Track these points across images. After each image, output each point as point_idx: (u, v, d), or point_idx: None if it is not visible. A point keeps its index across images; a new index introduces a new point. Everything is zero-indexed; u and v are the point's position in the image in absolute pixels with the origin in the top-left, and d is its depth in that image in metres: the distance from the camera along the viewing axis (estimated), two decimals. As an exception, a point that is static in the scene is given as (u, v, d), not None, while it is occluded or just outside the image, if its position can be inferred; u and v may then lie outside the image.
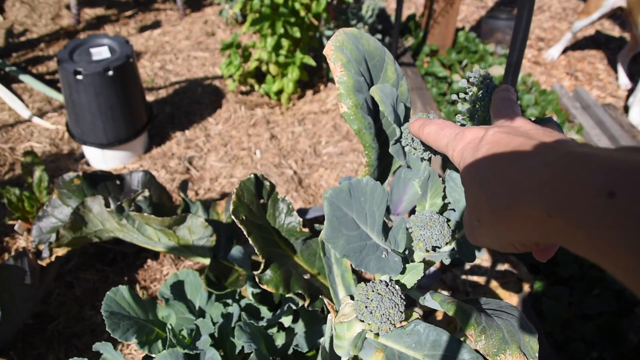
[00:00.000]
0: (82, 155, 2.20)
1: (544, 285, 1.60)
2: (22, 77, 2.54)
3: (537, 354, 0.65)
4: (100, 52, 1.98)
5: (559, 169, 0.31)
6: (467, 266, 1.57)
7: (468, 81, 0.60)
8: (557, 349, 1.47)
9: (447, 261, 0.69)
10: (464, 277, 1.54)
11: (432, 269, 1.58)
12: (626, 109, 2.73)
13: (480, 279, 1.54)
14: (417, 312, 0.72)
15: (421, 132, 0.55)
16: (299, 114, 2.50)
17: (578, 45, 3.29)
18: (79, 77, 1.88)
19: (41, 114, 2.42)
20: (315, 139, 2.35)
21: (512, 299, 1.48)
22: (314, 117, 2.49)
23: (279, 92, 2.52)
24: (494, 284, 1.51)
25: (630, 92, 2.86)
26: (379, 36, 2.80)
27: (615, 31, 3.46)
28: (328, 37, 2.51)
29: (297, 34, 2.24)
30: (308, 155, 2.26)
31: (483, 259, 1.59)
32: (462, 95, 0.61)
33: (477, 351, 0.64)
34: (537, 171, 0.33)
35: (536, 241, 0.35)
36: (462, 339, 0.69)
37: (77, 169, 2.14)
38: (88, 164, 2.17)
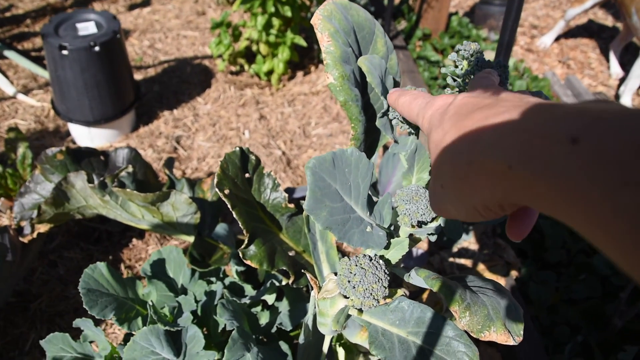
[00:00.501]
0: (68, 133, 2.16)
1: (532, 269, 1.60)
2: (7, 53, 2.49)
3: (521, 332, 0.64)
4: (87, 27, 1.94)
5: (522, 120, 0.30)
6: (455, 249, 1.57)
7: (458, 54, 0.58)
8: (543, 333, 1.48)
9: (433, 238, 0.68)
10: (451, 259, 1.54)
11: (420, 251, 1.57)
12: (617, 98, 2.73)
13: (468, 262, 1.53)
14: (402, 291, 0.71)
15: (397, 102, 0.54)
16: (288, 95, 2.47)
17: (571, 33, 3.28)
18: (65, 52, 1.83)
19: (26, 90, 2.37)
20: (304, 120, 2.33)
21: (499, 282, 1.48)
22: (304, 98, 2.46)
23: (269, 73, 2.49)
24: (481, 267, 1.50)
25: (622, 81, 2.85)
26: (372, 19, 2.76)
27: (608, 20, 3.45)
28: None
29: (288, 13, 2.20)
30: (297, 136, 2.23)
31: (470, 242, 1.58)
32: (451, 68, 0.59)
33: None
34: (500, 124, 0.31)
35: (500, 202, 0.32)
36: (450, 319, 0.68)
37: (62, 146, 2.10)
38: (74, 142, 2.14)
